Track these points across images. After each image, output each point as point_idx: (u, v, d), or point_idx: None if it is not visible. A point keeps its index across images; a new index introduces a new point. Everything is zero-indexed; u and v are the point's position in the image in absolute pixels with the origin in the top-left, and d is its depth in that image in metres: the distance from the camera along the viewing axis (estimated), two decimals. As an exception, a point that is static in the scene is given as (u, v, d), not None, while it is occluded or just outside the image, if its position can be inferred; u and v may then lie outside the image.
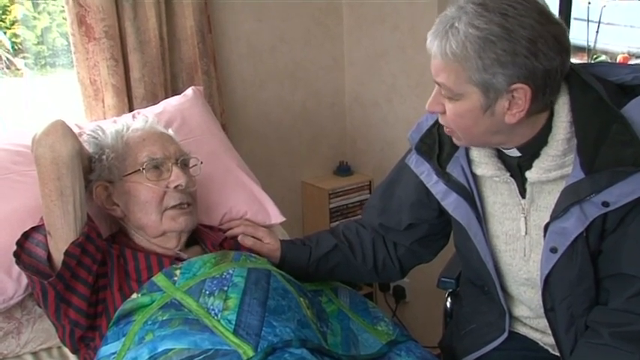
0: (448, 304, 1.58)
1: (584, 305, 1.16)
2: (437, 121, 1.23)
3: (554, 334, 1.23)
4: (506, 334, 1.31)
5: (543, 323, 1.27)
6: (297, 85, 2.38)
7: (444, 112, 1.11)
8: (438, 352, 1.49)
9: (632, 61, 4.10)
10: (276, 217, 1.64)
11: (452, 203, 1.24)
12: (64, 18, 1.86)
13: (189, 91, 1.82)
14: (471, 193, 1.22)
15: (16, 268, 1.26)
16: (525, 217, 1.20)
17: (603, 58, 3.96)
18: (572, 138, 1.08)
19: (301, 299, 1.26)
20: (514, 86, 1.02)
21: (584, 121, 1.07)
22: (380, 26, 2.30)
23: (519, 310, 1.32)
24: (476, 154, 1.20)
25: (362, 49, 2.41)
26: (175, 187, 1.33)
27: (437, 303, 1.97)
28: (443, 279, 1.56)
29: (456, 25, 1.01)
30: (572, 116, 1.07)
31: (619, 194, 1.04)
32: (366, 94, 2.45)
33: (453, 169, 1.23)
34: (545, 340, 1.30)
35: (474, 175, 1.22)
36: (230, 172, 1.65)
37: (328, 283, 1.49)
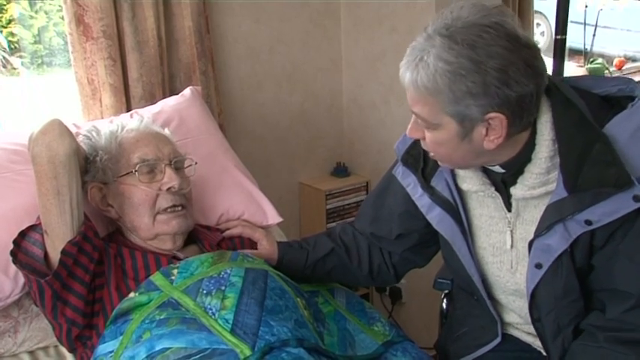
0: (444, 305, 1.59)
1: (570, 316, 1.16)
2: None
3: (542, 342, 1.24)
4: (499, 339, 1.32)
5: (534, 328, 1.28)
6: (294, 86, 2.38)
7: (424, 139, 1.11)
8: (434, 353, 1.50)
9: (628, 65, 4.13)
10: (273, 217, 1.64)
11: (436, 217, 1.24)
12: (60, 17, 1.86)
13: (187, 91, 1.82)
14: (456, 207, 1.22)
15: (13, 267, 1.27)
16: (511, 231, 1.20)
17: (600, 61, 3.99)
18: (556, 155, 1.07)
19: (298, 299, 1.26)
20: (489, 115, 1.01)
21: (567, 139, 1.06)
22: (377, 28, 2.31)
23: (510, 317, 1.33)
24: None
25: (359, 50, 2.41)
26: (168, 188, 1.33)
27: (433, 304, 1.96)
28: (439, 280, 1.57)
29: (425, 58, 1.00)
30: (555, 134, 1.07)
31: (601, 213, 1.04)
32: (364, 96, 2.45)
33: (438, 182, 1.23)
34: (538, 343, 1.30)
35: (458, 189, 1.22)
36: (227, 173, 1.65)
37: (325, 284, 1.49)
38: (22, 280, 1.31)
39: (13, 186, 1.38)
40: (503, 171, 1.14)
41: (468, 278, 1.27)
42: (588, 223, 1.05)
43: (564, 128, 1.06)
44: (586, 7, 3.98)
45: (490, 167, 1.16)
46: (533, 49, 1.01)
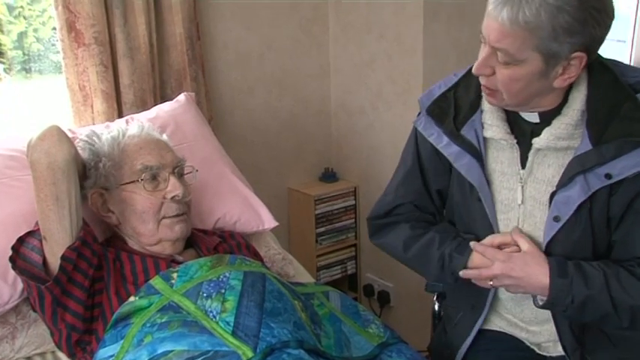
0: (436, 307, 1.61)
1: None
2: (452, 87, 1.28)
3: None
4: (487, 308, 1.32)
5: (527, 312, 1.30)
6: (284, 92, 2.40)
7: (491, 74, 1.13)
8: (426, 355, 1.52)
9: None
10: (269, 222, 1.66)
11: (465, 165, 1.26)
12: (41, 23, 1.86)
13: (182, 97, 1.83)
14: (482, 156, 1.25)
15: (12, 273, 1.27)
16: (522, 187, 1.24)
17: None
18: (585, 111, 1.14)
19: (296, 302, 1.28)
20: (575, 54, 1.06)
21: (599, 96, 1.13)
22: (366, 35, 2.34)
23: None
24: (489, 116, 1.23)
25: (348, 56, 2.44)
26: (172, 197, 1.35)
27: (421, 307, 1.99)
28: (431, 282, 1.59)
29: None
30: (588, 91, 1.14)
31: (622, 167, 1.10)
32: (352, 102, 2.48)
33: (468, 132, 1.26)
34: (532, 339, 1.34)
35: (485, 140, 1.26)
36: (224, 178, 1.67)
37: (319, 287, 1.51)
38: (20, 286, 1.31)
39: (10, 192, 1.38)
40: (538, 120, 1.19)
41: (485, 231, 1.28)
42: (608, 176, 1.11)
43: (598, 86, 1.13)
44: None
45: (526, 115, 1.20)
46: None
